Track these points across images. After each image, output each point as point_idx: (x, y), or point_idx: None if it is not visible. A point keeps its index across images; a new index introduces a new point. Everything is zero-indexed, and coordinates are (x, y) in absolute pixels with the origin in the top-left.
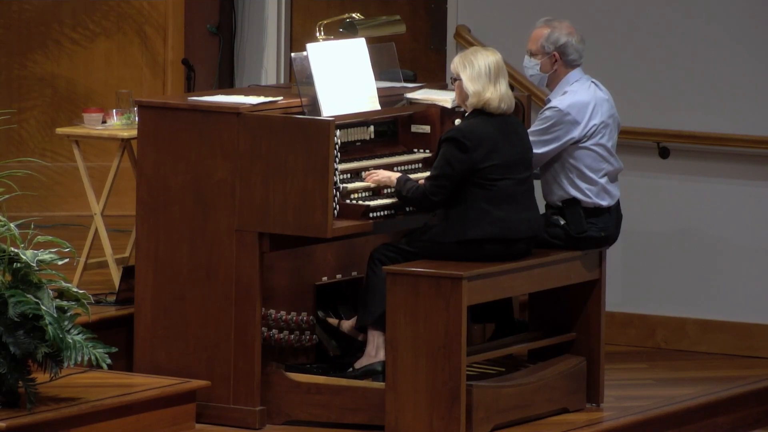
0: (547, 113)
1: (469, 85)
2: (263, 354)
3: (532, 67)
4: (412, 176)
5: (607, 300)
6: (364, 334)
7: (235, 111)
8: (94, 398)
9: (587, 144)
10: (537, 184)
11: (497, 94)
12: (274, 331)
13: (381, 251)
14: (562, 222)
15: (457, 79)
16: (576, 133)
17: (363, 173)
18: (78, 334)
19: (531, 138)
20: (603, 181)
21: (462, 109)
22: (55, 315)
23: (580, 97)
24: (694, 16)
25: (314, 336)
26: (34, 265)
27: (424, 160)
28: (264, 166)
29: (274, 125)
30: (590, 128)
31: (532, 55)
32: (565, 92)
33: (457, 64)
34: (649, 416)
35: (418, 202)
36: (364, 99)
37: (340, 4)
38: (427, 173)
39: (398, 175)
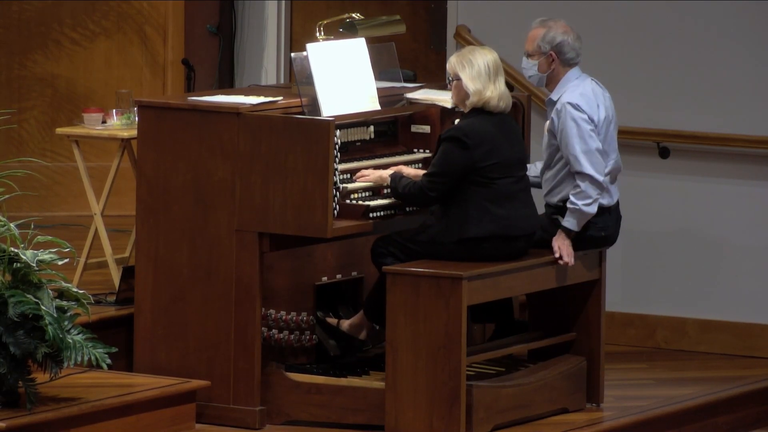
0: (574, 114)
1: (470, 84)
2: (263, 354)
3: (530, 68)
4: (407, 169)
5: (607, 300)
6: (364, 332)
7: (235, 111)
8: (94, 398)
9: None
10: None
11: (497, 93)
12: (274, 331)
13: (383, 244)
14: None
15: (455, 79)
16: (595, 119)
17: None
18: (78, 334)
19: (576, 144)
20: (605, 180)
21: (461, 109)
22: (55, 315)
23: (584, 89)
24: (694, 17)
25: (314, 336)
26: (34, 265)
27: (424, 160)
28: (264, 166)
29: (274, 125)
30: (598, 122)
31: (529, 56)
32: (566, 89)
33: (454, 64)
34: (649, 416)
35: (414, 197)
36: (364, 99)
37: (340, 4)
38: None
39: (390, 172)
